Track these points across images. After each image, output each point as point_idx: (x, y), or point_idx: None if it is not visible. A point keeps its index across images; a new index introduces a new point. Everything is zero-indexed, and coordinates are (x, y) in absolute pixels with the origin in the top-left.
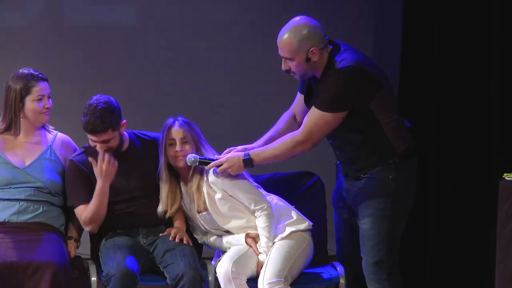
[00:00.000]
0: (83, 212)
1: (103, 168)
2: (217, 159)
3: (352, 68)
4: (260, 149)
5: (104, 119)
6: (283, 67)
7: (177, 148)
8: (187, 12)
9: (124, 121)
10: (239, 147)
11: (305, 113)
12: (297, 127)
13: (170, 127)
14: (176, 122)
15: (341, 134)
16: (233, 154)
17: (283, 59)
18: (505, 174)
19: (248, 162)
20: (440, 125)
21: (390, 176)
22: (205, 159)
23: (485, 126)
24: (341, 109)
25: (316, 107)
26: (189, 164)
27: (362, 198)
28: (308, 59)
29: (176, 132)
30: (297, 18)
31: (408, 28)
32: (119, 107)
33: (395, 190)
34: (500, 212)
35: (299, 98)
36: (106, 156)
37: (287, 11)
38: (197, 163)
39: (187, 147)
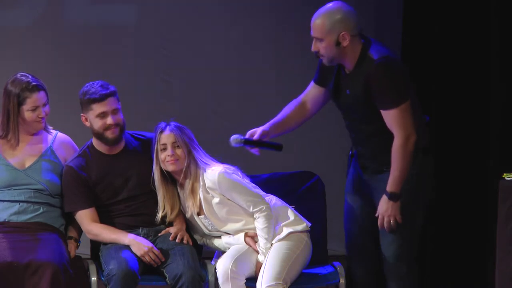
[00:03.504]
0: (85, 219)
1: (149, 257)
2: (275, 143)
3: (392, 60)
4: (391, 182)
5: (107, 85)
6: (313, 48)
7: (168, 152)
8: (187, 12)
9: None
10: (258, 130)
11: (316, 103)
12: (305, 114)
13: (161, 132)
14: (168, 127)
15: (367, 129)
16: (381, 204)
17: (314, 40)
18: (505, 174)
19: (395, 197)
20: (440, 125)
21: (414, 172)
22: (251, 140)
23: (485, 126)
24: (407, 95)
25: (390, 107)
26: (233, 144)
27: (383, 192)
28: (338, 43)
29: (167, 137)
30: (332, 3)
31: (408, 28)
32: None
33: (416, 185)
34: (500, 212)
35: (313, 87)
36: (159, 254)
37: (288, 11)
38: (242, 144)
39: (179, 151)
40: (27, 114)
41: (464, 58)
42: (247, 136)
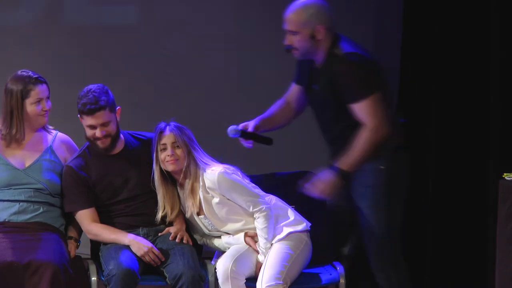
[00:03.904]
0: (85, 219)
1: (148, 257)
2: (267, 137)
3: (359, 55)
4: (343, 157)
5: (100, 97)
6: (287, 41)
7: (168, 152)
8: (187, 12)
9: (119, 107)
10: (251, 123)
11: (299, 102)
12: (291, 113)
13: (161, 132)
14: (167, 127)
15: (336, 128)
16: (319, 176)
17: (287, 33)
18: (505, 174)
19: (339, 172)
20: (440, 125)
21: (381, 167)
22: (247, 132)
23: (485, 125)
24: (377, 88)
25: (359, 99)
26: (230, 135)
27: (357, 190)
28: (313, 36)
29: (167, 137)
30: None
31: (408, 28)
32: (111, 93)
33: (387, 180)
34: (500, 212)
35: (294, 87)
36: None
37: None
38: (239, 135)
39: (179, 151)
40: (31, 108)
41: (464, 58)
42: (240, 126)
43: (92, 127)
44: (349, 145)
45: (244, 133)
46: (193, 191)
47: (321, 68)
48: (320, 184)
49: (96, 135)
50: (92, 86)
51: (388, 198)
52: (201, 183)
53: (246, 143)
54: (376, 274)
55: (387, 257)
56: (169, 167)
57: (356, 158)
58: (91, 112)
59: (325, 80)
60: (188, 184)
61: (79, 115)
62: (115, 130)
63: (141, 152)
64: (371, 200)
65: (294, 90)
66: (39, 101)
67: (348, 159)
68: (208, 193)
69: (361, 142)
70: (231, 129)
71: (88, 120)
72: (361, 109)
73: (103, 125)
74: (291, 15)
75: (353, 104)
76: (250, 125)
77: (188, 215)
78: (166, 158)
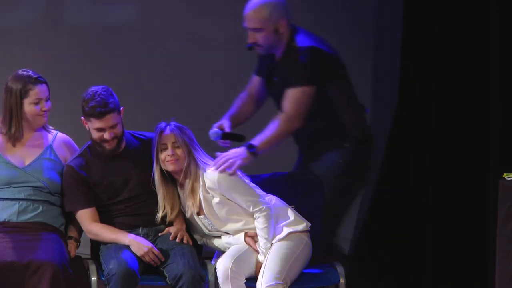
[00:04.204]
0: (85, 219)
1: (148, 257)
2: (240, 134)
3: (313, 47)
4: (258, 135)
5: (108, 99)
6: (250, 39)
7: (168, 152)
8: (187, 12)
9: (122, 108)
10: (215, 125)
11: (261, 94)
12: (254, 105)
13: (162, 132)
14: (168, 127)
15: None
16: (234, 150)
17: (250, 32)
18: (505, 174)
19: (250, 148)
20: (440, 125)
21: (340, 160)
22: (227, 132)
23: (485, 125)
24: (314, 82)
25: (292, 86)
26: (212, 138)
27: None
28: (276, 31)
29: (167, 137)
30: None
31: (408, 28)
32: (115, 95)
33: (345, 173)
34: (500, 212)
35: (255, 79)
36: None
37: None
38: (220, 137)
39: (179, 151)
40: (30, 108)
41: (464, 58)
42: (215, 128)
43: (101, 129)
44: (310, 136)
45: (224, 135)
46: (193, 191)
47: (280, 61)
48: (231, 154)
49: (105, 137)
50: (97, 88)
51: (340, 193)
52: (201, 183)
53: (224, 144)
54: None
55: (336, 252)
56: (169, 167)
57: (267, 140)
58: (101, 115)
59: (284, 73)
60: (188, 184)
61: (83, 118)
62: (121, 131)
63: (142, 152)
64: (328, 190)
65: (255, 81)
66: (38, 101)
67: (260, 137)
68: (208, 193)
69: (274, 126)
70: (212, 132)
71: (96, 123)
72: (288, 96)
73: (112, 127)
74: (253, 13)
75: (288, 88)
76: (225, 125)
77: (188, 215)
78: (166, 158)
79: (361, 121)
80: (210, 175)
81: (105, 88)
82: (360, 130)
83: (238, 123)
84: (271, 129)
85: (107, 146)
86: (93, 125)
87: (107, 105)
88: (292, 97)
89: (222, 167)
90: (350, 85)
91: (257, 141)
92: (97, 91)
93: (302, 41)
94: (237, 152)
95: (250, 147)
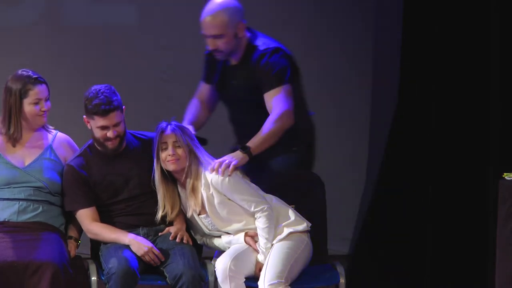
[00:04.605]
0: (85, 218)
1: (148, 256)
2: (202, 138)
3: (278, 48)
4: (253, 138)
5: (112, 97)
6: (211, 46)
7: (169, 152)
8: (187, 12)
9: (123, 106)
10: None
11: (211, 100)
12: (206, 112)
13: (162, 131)
14: (169, 126)
15: (253, 120)
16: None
17: (209, 39)
18: (505, 174)
19: (246, 151)
20: (440, 125)
21: (293, 163)
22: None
23: (485, 125)
24: (289, 80)
25: (272, 87)
26: None
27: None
28: (236, 35)
29: (168, 136)
30: None
31: (408, 28)
32: (117, 93)
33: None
34: (500, 212)
35: (203, 86)
36: (159, 254)
37: (288, 11)
38: None
39: (180, 151)
40: (30, 108)
41: (464, 58)
42: None
43: (104, 128)
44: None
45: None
46: (194, 190)
47: (239, 63)
48: (226, 157)
49: (108, 135)
50: (100, 87)
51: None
52: (203, 181)
53: None
54: None
55: None
56: (170, 167)
57: (263, 140)
58: (105, 113)
59: (245, 75)
60: (189, 183)
61: (85, 116)
62: (123, 130)
63: (142, 151)
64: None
65: (204, 89)
66: (37, 101)
67: (256, 140)
68: (210, 192)
69: (268, 126)
70: None
71: (100, 121)
72: (272, 97)
73: (115, 125)
74: (212, 19)
75: (266, 92)
76: (191, 129)
77: (189, 214)
78: (167, 157)
79: (311, 124)
80: (211, 175)
81: (108, 86)
82: (309, 133)
83: (197, 130)
84: (264, 129)
85: (109, 145)
86: (96, 124)
87: (111, 103)
88: (275, 97)
89: (219, 171)
90: (302, 87)
91: (251, 142)
92: (100, 89)
93: (264, 43)
94: (232, 155)
95: (244, 149)
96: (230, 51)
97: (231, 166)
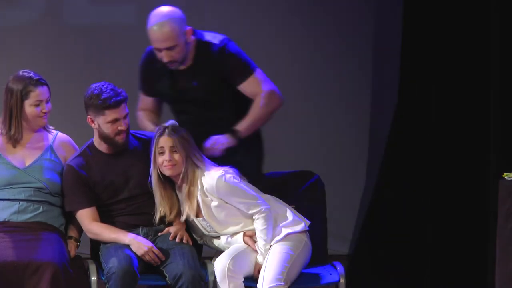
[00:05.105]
0: (85, 218)
1: (148, 256)
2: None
3: (228, 38)
4: (242, 121)
5: (117, 89)
6: (167, 58)
7: (166, 157)
8: (187, 12)
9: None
10: None
11: (156, 109)
12: (157, 118)
13: (160, 135)
14: (166, 130)
15: (218, 115)
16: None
17: (164, 51)
18: (505, 174)
19: (235, 134)
20: (440, 125)
21: (258, 156)
22: None
23: (485, 125)
24: (254, 64)
25: (248, 75)
26: None
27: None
28: (186, 42)
29: (165, 140)
30: (159, 8)
31: (408, 28)
32: None
33: (258, 170)
34: (500, 212)
35: (146, 99)
36: (159, 254)
37: (288, 11)
38: None
39: (176, 156)
40: (31, 109)
41: (464, 58)
42: None
43: (115, 120)
44: (213, 129)
45: None
46: (189, 195)
47: (193, 64)
48: (218, 140)
49: (120, 128)
50: (100, 83)
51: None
52: (199, 187)
53: None
54: None
55: None
56: (167, 172)
57: (253, 124)
58: (117, 104)
59: (207, 72)
60: (185, 188)
61: (92, 115)
62: (128, 125)
63: (142, 151)
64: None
65: (146, 101)
66: (38, 103)
67: (245, 124)
68: (207, 197)
69: (260, 109)
70: None
71: (112, 115)
72: (251, 83)
73: (125, 117)
74: (165, 34)
75: (242, 83)
76: None
77: (183, 218)
78: (163, 162)
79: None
80: (209, 179)
81: (105, 82)
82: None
83: None
84: (256, 114)
85: (120, 139)
86: (107, 118)
87: (120, 94)
88: (256, 82)
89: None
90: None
91: (242, 127)
92: (102, 85)
93: (214, 36)
94: (223, 137)
95: (234, 134)
96: (183, 58)
97: (221, 147)
